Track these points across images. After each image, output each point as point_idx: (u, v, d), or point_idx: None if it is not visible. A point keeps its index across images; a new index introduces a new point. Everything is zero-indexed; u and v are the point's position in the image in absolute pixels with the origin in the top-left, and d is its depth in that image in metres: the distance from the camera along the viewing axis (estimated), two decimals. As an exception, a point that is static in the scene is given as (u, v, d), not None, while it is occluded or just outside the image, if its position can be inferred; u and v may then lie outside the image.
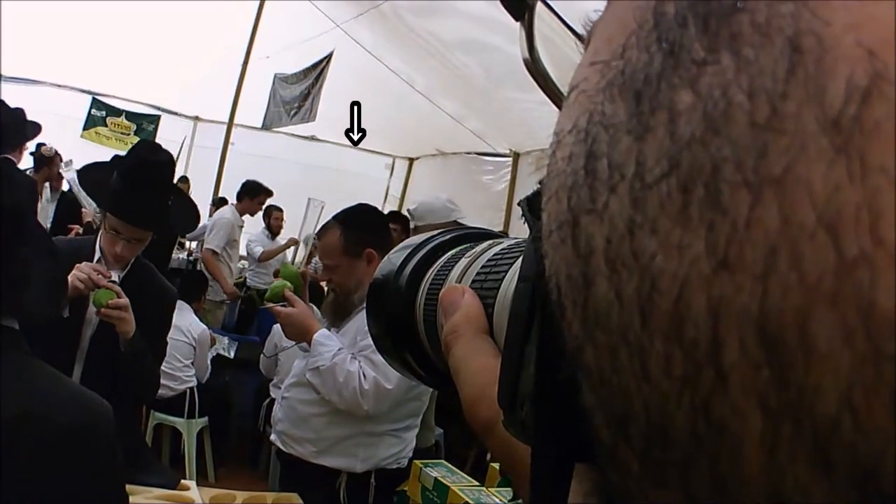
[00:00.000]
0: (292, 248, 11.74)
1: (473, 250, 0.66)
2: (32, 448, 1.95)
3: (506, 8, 0.60)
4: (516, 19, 0.60)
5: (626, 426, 0.33)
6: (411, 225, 5.46)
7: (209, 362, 7.65)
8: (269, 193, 11.21)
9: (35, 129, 7.54)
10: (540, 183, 0.43)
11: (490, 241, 0.67)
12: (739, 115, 0.28)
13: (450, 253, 0.71)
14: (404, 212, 6.38)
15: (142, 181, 3.71)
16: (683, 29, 0.31)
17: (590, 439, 0.38)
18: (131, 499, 3.05)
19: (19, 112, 7.28)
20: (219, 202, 12.07)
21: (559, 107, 0.50)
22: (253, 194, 10.98)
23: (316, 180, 13.28)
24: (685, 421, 0.30)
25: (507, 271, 0.58)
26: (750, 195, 0.27)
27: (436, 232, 0.75)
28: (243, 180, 11.17)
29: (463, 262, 0.66)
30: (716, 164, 0.28)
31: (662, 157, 0.30)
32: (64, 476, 1.99)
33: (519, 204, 0.49)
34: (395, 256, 0.75)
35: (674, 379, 0.30)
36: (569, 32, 0.61)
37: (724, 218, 0.28)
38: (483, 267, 0.62)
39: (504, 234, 0.71)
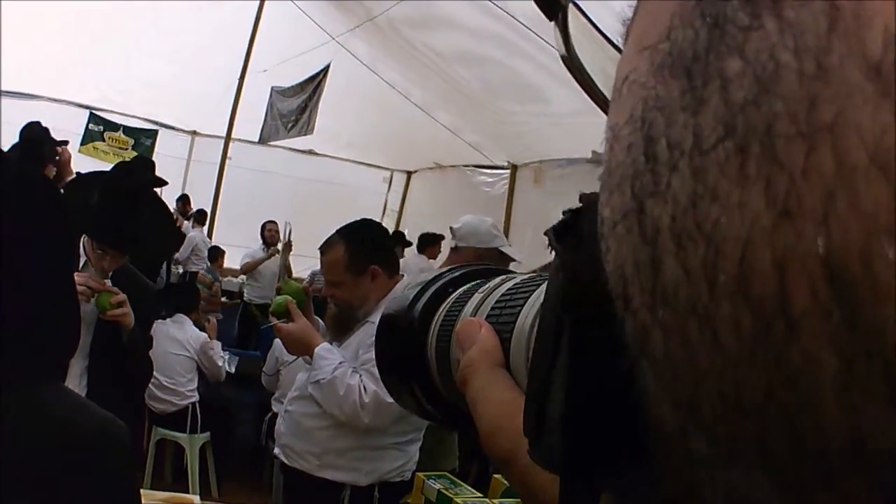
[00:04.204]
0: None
1: (486, 286, 0.67)
2: (63, 464, 2.00)
3: (539, 8, 0.61)
4: (550, 19, 0.61)
5: (696, 405, 0.33)
6: (452, 244, 5.34)
7: (219, 364, 7.67)
8: (443, 237, 11.25)
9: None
10: (581, 202, 0.44)
11: (503, 277, 0.67)
12: (787, 73, 0.29)
13: (462, 289, 0.71)
14: (446, 228, 6.17)
15: (116, 205, 3.91)
16: (725, 0, 0.32)
17: (619, 469, 0.39)
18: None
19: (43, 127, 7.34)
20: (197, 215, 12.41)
21: (597, 101, 0.50)
22: (433, 242, 11.01)
23: (313, 194, 13.27)
24: (759, 380, 0.30)
25: (522, 305, 0.58)
26: (804, 144, 0.28)
27: (445, 268, 0.75)
28: (420, 233, 11.21)
29: (476, 297, 0.66)
30: (769, 121, 0.29)
31: (718, 125, 0.31)
32: (96, 486, 2.05)
33: (545, 234, 0.49)
34: (403, 295, 0.75)
35: (745, 340, 0.30)
36: (595, 32, 0.62)
37: (781, 170, 0.29)
38: (498, 301, 0.62)
39: (512, 270, 0.72)
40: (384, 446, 4.04)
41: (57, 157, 7.45)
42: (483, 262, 5.41)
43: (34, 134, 7.17)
